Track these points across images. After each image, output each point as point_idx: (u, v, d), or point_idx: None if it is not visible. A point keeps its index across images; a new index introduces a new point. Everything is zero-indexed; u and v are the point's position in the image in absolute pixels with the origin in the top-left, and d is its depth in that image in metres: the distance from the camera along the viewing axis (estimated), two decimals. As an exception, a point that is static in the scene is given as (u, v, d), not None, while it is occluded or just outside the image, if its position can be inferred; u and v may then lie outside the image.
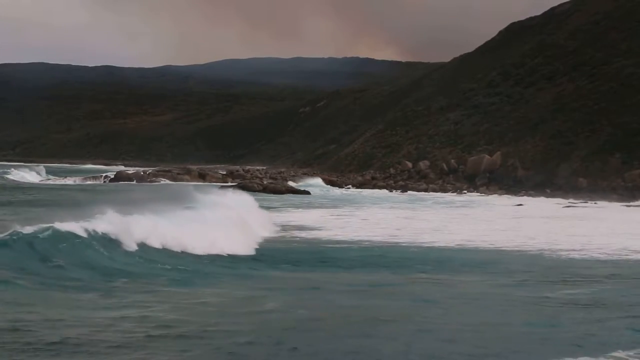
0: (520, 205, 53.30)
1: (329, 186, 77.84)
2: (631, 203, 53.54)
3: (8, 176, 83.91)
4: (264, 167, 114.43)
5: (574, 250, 26.99)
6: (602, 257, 25.43)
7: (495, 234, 32.41)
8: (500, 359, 11.98)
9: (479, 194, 66.13)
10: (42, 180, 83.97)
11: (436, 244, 28.43)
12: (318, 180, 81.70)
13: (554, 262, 24.23)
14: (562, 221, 39.91)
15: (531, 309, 15.97)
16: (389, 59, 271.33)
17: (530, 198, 60.37)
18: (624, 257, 25.22)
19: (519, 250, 27.06)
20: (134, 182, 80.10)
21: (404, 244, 28.34)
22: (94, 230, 20.58)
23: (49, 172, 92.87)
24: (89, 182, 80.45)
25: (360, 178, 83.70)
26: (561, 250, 26.97)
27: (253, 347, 11.99)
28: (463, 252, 26.18)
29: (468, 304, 16.40)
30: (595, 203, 53.15)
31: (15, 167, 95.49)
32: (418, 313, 15.12)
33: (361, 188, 76.35)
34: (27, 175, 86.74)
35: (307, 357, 11.56)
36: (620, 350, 12.23)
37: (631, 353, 12.16)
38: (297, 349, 11.88)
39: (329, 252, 25.54)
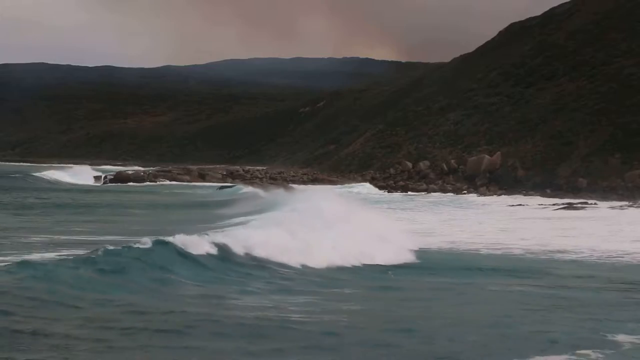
0: (520, 205, 53.27)
1: (381, 191, 72.68)
2: (632, 204, 53.33)
3: (61, 179, 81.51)
4: (264, 167, 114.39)
5: (560, 251, 26.73)
6: (588, 259, 25.22)
7: (484, 235, 32.22)
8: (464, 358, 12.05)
9: (478, 194, 66.06)
10: (104, 183, 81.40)
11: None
12: (366, 185, 75.69)
13: (533, 263, 23.91)
14: (558, 222, 39.63)
15: (497, 309, 15.99)
16: (389, 59, 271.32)
17: (530, 198, 60.30)
18: (610, 260, 24.90)
19: (501, 252, 26.82)
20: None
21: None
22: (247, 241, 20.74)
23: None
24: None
25: (360, 178, 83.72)
26: (547, 251, 26.71)
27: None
28: (437, 255, 25.75)
29: (429, 305, 16.41)
30: (595, 203, 53.06)
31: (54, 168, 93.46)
32: (386, 316, 15.09)
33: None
34: (70, 177, 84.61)
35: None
36: (581, 350, 12.31)
37: (598, 354, 12.25)
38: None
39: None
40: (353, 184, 76.99)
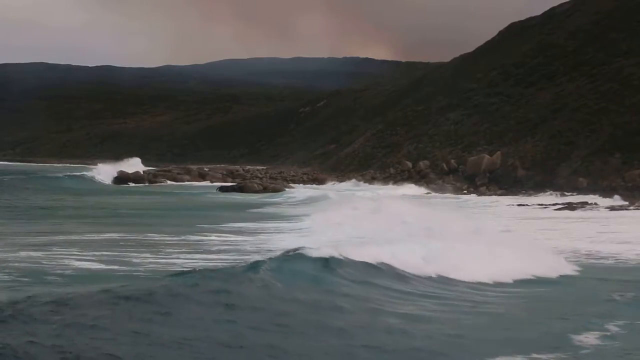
0: (520, 205, 53.27)
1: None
2: (631, 204, 53.26)
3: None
4: (264, 167, 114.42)
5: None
6: (567, 260, 24.82)
7: None
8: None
9: (477, 194, 66.04)
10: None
11: None
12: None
13: None
14: (548, 222, 39.13)
15: (457, 310, 16.05)
16: (389, 59, 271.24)
17: (530, 198, 60.32)
18: (588, 262, 24.47)
19: None
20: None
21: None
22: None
23: None
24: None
25: (360, 178, 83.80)
26: None
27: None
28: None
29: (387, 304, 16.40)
30: (595, 204, 52.99)
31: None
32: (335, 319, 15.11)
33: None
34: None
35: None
36: (547, 353, 12.47)
37: (552, 356, 12.40)
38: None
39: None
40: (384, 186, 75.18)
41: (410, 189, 70.15)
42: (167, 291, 13.86)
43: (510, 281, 19.89)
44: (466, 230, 24.06)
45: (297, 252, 18.42)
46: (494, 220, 40.34)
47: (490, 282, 19.52)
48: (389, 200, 40.25)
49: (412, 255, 20.03)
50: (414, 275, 19.26)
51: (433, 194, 67.46)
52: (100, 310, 12.26)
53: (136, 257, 22.40)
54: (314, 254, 18.12)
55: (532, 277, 20.60)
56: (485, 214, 45.42)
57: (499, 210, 49.14)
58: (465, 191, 68.56)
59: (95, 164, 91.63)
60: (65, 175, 78.91)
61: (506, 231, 29.15)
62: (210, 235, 29.70)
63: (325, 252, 18.38)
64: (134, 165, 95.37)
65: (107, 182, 79.32)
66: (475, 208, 51.49)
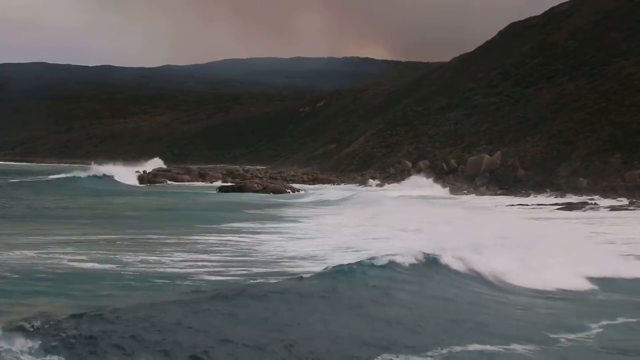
0: (520, 205, 53.20)
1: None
2: (630, 204, 53.16)
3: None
4: (264, 167, 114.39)
5: None
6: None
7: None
8: (401, 347, 12.18)
9: (477, 194, 65.90)
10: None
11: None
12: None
13: None
14: (549, 222, 38.45)
15: (432, 303, 16.20)
16: (389, 59, 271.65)
17: (530, 198, 60.23)
18: None
19: None
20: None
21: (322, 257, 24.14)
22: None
23: None
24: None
25: (360, 178, 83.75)
26: None
27: None
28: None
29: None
30: (595, 203, 52.92)
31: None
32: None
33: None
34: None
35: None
36: (517, 344, 12.60)
37: (530, 347, 12.53)
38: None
39: None
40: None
41: (422, 189, 69.06)
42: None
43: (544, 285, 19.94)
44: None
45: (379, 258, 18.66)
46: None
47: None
48: (405, 202, 40.15)
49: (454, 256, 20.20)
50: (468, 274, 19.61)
51: (449, 194, 67.17)
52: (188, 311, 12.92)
53: (130, 257, 22.30)
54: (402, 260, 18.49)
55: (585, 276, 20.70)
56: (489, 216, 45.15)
57: (499, 211, 48.96)
58: (465, 191, 68.43)
59: (98, 164, 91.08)
60: (89, 176, 77.43)
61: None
62: (207, 235, 29.58)
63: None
64: (154, 165, 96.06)
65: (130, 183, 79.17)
66: (477, 209, 51.35)
